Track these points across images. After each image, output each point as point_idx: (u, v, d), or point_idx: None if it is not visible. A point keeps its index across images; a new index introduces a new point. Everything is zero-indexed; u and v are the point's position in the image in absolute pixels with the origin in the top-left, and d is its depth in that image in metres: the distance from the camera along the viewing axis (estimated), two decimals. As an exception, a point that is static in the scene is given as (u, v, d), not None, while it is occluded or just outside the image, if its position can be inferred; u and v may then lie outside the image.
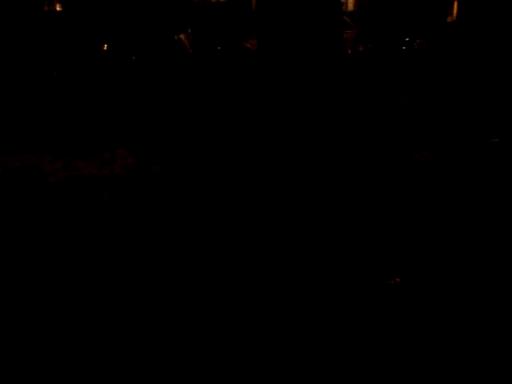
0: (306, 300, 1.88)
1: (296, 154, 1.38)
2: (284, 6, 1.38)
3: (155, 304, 2.61)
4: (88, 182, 4.67)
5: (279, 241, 1.56)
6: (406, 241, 3.09)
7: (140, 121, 6.97)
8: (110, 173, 4.93)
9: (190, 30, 12.97)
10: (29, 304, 2.69)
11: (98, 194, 4.31)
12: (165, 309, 2.55)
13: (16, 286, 2.88)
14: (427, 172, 4.46)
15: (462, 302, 2.55)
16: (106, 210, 3.95)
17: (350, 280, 1.55)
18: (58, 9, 15.29)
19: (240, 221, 1.51)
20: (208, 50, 13.28)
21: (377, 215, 2.94)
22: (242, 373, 2.09)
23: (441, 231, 3.29)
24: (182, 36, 12.30)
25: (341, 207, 1.50)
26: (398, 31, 18.86)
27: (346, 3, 26.19)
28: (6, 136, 6.25)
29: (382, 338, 2.26)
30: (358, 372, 2.11)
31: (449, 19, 18.35)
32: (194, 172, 4.57)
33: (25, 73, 10.15)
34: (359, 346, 2.13)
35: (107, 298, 2.71)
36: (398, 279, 2.60)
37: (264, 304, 2.20)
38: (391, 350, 2.22)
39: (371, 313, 1.93)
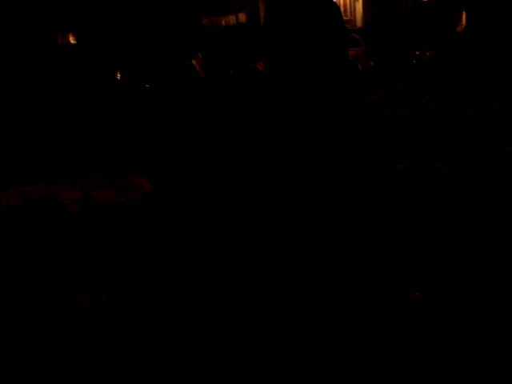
0: (322, 315, 1.88)
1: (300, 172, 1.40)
2: (287, 27, 1.41)
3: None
4: (106, 209, 4.71)
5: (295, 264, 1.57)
6: (426, 254, 3.07)
7: (155, 146, 7.03)
8: (127, 199, 4.97)
9: (200, 55, 13.12)
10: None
11: (116, 222, 4.34)
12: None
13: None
14: (445, 184, 4.44)
15: (480, 316, 2.52)
16: (122, 238, 3.98)
17: (369, 295, 1.54)
18: (71, 41, 15.58)
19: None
20: (219, 73, 13.41)
21: (396, 228, 2.92)
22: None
23: (461, 243, 3.27)
24: (193, 61, 12.45)
25: (358, 218, 1.51)
26: (408, 45, 18.89)
27: (355, 20, 26.36)
28: (24, 165, 6.32)
29: (401, 352, 2.24)
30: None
31: (458, 29, 18.36)
32: (211, 194, 4.59)
33: (40, 103, 10.31)
34: (377, 360, 2.12)
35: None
36: (418, 293, 2.59)
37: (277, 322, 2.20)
38: (412, 364, 2.20)
39: (391, 327, 1.92)
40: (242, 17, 21.69)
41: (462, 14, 18.45)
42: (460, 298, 2.66)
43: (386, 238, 1.57)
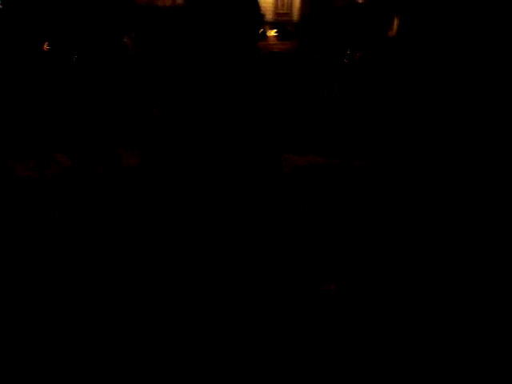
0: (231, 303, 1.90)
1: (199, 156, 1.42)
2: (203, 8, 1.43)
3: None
4: (22, 183, 4.55)
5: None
6: (342, 245, 3.16)
7: (78, 122, 6.84)
8: (45, 175, 4.82)
9: (133, 34, 12.84)
10: None
11: (31, 197, 4.21)
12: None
13: None
14: (362, 179, 4.58)
15: (392, 305, 2.62)
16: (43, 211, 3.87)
17: (278, 286, 1.58)
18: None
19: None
20: (151, 53, 13.18)
21: (316, 219, 3.00)
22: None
23: (381, 236, 3.38)
24: (125, 39, 12.17)
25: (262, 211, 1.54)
26: (341, 43, 19.24)
27: (291, 14, 26.57)
28: None
29: (309, 341, 2.30)
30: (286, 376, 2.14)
31: (390, 33, 18.87)
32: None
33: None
34: (289, 351, 2.17)
35: None
36: (331, 285, 2.65)
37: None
38: (324, 352, 2.26)
39: (299, 316, 1.98)
40: (180, -1, 21.41)
41: (394, 18, 18.98)
42: (375, 292, 2.75)
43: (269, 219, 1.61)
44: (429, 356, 2.30)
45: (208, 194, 1.48)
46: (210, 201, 1.47)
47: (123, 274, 2.67)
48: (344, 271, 2.87)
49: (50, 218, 3.74)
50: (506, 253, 3.25)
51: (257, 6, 1.55)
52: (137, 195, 1.52)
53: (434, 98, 9.55)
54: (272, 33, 18.30)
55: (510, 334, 2.47)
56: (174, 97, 1.57)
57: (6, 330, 2.43)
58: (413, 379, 2.21)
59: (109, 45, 11.54)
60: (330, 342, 2.31)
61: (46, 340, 2.36)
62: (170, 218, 1.49)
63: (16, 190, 4.36)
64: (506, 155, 5.46)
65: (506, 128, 6.49)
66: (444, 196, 4.27)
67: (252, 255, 1.59)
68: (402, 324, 2.47)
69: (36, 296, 2.71)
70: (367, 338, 2.36)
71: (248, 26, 1.47)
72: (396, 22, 18.92)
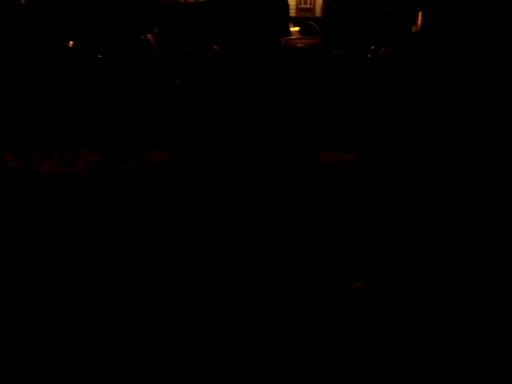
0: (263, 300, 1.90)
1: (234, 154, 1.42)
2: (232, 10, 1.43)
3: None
4: (49, 180, 4.59)
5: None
6: (371, 244, 3.13)
7: (104, 118, 6.89)
8: (71, 172, 4.86)
9: (157, 30, 12.89)
10: None
11: (58, 194, 4.24)
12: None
13: None
14: (390, 177, 4.54)
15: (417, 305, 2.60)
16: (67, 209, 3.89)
17: (308, 282, 1.57)
18: (22, 2, 15.01)
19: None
20: (175, 50, 13.22)
21: (341, 219, 2.97)
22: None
23: (408, 237, 3.35)
24: (149, 36, 12.22)
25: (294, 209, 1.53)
26: (364, 39, 19.12)
27: (314, 10, 26.45)
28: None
29: (334, 339, 2.28)
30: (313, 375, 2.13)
31: (413, 29, 18.69)
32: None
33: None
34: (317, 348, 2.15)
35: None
36: (359, 283, 2.63)
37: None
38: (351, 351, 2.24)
39: (330, 311, 1.96)
40: (202, -5, 21.44)
41: (418, 13, 18.79)
42: (402, 290, 2.72)
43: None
44: (455, 355, 2.27)
45: (242, 190, 1.47)
46: (244, 196, 1.46)
47: (154, 268, 2.68)
48: (371, 270, 2.85)
49: (90, 215, 3.76)
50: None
51: (285, 4, 1.53)
52: (173, 191, 1.52)
53: (457, 93, 9.45)
54: (295, 29, 18.21)
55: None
56: (202, 94, 1.56)
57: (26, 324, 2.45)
58: (440, 376, 2.18)
59: (133, 42, 11.61)
60: (360, 335, 2.30)
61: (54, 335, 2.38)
62: (206, 212, 1.49)
63: (45, 188, 4.40)
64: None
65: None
66: (472, 197, 4.21)
67: (284, 251, 1.58)
68: (426, 321, 2.45)
69: (68, 290, 2.74)
70: (394, 334, 2.34)
71: (275, 23, 1.46)
72: (420, 18, 18.59)
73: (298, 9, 26.49)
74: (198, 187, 1.48)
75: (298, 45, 17.26)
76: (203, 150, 1.44)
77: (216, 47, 11.37)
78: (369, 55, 17.08)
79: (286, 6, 1.52)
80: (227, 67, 1.47)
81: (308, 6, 26.05)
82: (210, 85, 1.54)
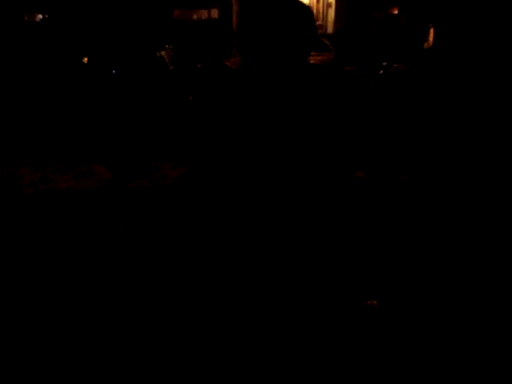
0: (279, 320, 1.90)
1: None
2: (262, 26, 1.44)
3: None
4: (63, 194, 4.62)
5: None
6: (384, 262, 3.12)
7: (118, 135, 6.94)
8: (85, 187, 4.89)
9: (170, 47, 13.01)
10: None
11: (73, 208, 4.27)
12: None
13: None
14: (404, 194, 4.53)
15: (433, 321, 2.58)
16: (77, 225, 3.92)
17: (324, 301, 1.57)
18: (38, 20, 15.20)
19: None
20: (188, 66, 13.33)
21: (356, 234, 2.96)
22: None
23: (422, 255, 3.33)
24: (163, 52, 12.34)
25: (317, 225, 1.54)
26: (376, 55, 19.16)
27: (326, 26, 26.57)
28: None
29: (351, 354, 2.27)
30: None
31: (425, 45, 18.71)
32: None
33: (2, 82, 10.04)
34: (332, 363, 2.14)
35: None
36: (374, 301, 2.63)
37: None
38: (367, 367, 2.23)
39: (344, 330, 1.96)
40: (215, 12, 21.62)
41: (429, 30, 18.81)
42: (417, 309, 2.71)
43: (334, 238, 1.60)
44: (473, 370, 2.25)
45: (268, 209, 1.47)
46: (270, 216, 1.46)
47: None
48: (386, 288, 2.84)
49: (104, 231, 3.79)
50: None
51: (313, 25, 1.55)
52: (188, 209, 1.52)
53: (471, 110, 9.42)
54: (307, 45, 18.26)
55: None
56: (218, 111, 1.57)
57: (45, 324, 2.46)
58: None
59: (147, 58, 11.72)
60: (374, 353, 2.29)
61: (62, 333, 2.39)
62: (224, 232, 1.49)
63: (59, 203, 4.43)
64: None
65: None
66: (485, 214, 4.19)
67: (315, 271, 1.59)
68: (441, 338, 2.43)
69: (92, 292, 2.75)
70: (408, 351, 2.33)
71: (306, 43, 1.48)
72: (432, 34, 18.66)
73: (309, 25, 26.50)
74: (215, 205, 1.48)
75: (311, 61, 17.34)
76: (222, 167, 1.44)
77: (229, 64, 11.46)
78: (381, 71, 17.12)
79: (314, 27, 1.54)
80: (253, 84, 1.48)
81: (320, 22, 26.17)
82: (226, 101, 1.55)
